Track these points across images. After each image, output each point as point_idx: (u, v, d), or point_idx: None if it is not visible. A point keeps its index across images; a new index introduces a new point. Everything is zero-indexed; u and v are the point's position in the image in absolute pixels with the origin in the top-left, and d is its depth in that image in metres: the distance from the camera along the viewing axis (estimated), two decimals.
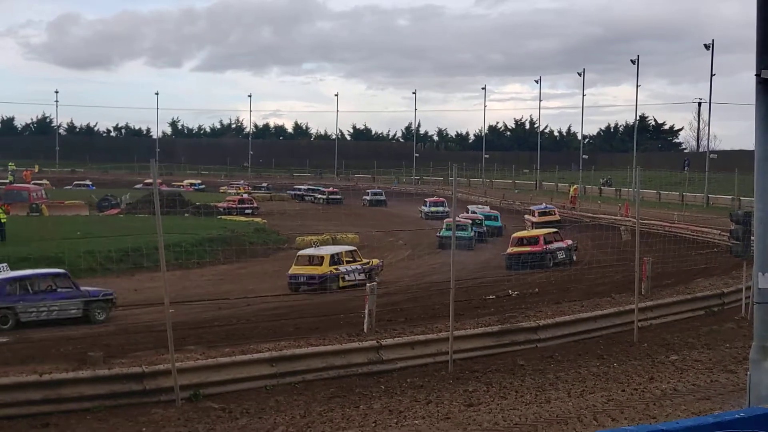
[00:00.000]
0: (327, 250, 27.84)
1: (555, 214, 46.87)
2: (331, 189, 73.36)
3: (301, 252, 28.37)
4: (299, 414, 12.16)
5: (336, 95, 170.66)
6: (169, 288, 13.88)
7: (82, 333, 17.78)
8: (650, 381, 13.86)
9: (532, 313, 18.53)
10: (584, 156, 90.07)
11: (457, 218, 32.22)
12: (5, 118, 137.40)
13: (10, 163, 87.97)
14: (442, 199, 55.13)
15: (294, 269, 26.51)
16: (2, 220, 32.90)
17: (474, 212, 45.71)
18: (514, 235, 34.01)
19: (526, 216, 48.51)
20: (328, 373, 14.32)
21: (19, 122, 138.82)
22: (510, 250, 31.61)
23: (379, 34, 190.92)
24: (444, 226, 36.96)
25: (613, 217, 48.18)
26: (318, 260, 26.62)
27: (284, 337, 16.33)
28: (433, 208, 53.99)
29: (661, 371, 14.60)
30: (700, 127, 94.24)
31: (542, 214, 46.44)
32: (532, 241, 32.15)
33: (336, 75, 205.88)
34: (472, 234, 36.26)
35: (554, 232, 33.63)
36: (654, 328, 18.80)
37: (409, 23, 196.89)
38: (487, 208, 49.60)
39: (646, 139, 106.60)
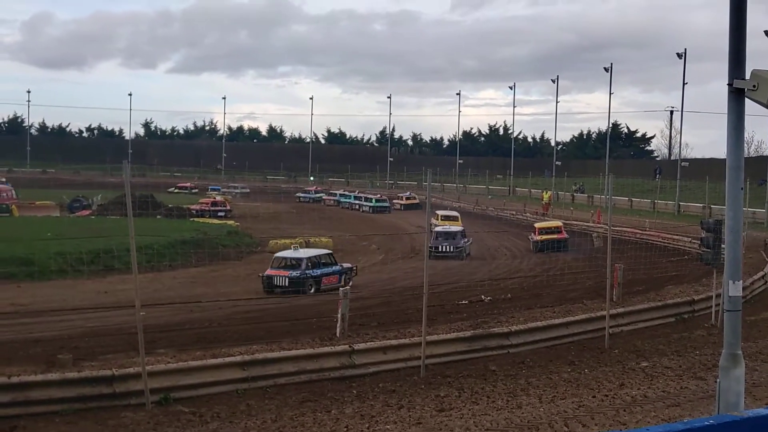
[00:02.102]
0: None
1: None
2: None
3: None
4: (270, 418, 12.10)
5: (311, 99, 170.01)
6: (141, 290, 13.77)
7: (51, 335, 17.57)
8: (621, 387, 13.94)
9: (505, 319, 18.58)
10: (557, 162, 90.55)
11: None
12: None
13: None
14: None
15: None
16: None
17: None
18: None
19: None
20: (300, 378, 14.26)
21: None
22: None
23: (355, 39, 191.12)
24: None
25: (586, 224, 48.50)
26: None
27: (256, 340, 16.24)
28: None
29: (632, 378, 14.69)
30: (672, 135, 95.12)
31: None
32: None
33: (311, 78, 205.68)
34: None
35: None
36: (625, 334, 18.92)
37: (384, 28, 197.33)
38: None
39: (619, 147, 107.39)
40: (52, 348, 15.61)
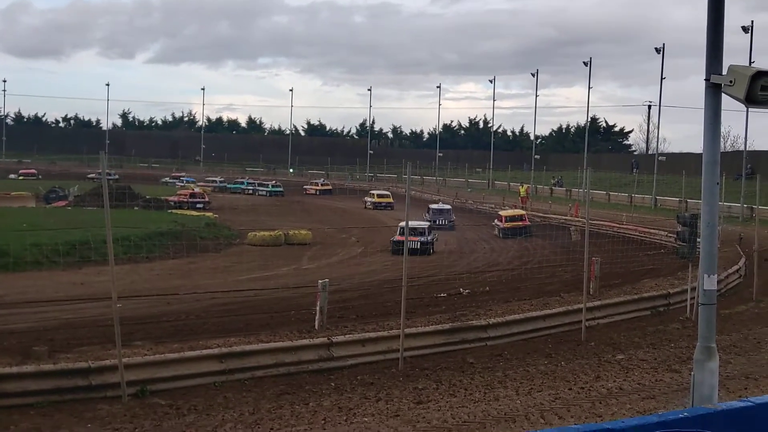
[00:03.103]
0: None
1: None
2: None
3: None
4: (248, 411, 12.09)
5: (291, 90, 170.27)
6: (117, 282, 13.70)
7: (26, 327, 17.44)
8: (596, 380, 14.04)
9: (483, 312, 18.63)
10: (536, 156, 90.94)
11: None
12: None
13: None
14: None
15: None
16: None
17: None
18: None
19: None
20: (278, 370, 14.25)
21: None
22: None
23: (336, 31, 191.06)
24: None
25: (564, 218, 48.68)
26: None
27: (234, 333, 16.20)
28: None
29: (608, 370, 14.81)
30: (650, 129, 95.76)
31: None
32: None
33: (291, 70, 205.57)
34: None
35: None
36: (601, 327, 19.05)
37: (365, 20, 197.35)
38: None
39: (597, 141, 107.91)
40: (27, 340, 15.50)
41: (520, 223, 43.09)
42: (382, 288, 24.16)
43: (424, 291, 23.56)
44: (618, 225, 43.26)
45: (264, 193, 73.10)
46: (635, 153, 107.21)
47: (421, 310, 19.68)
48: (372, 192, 63.41)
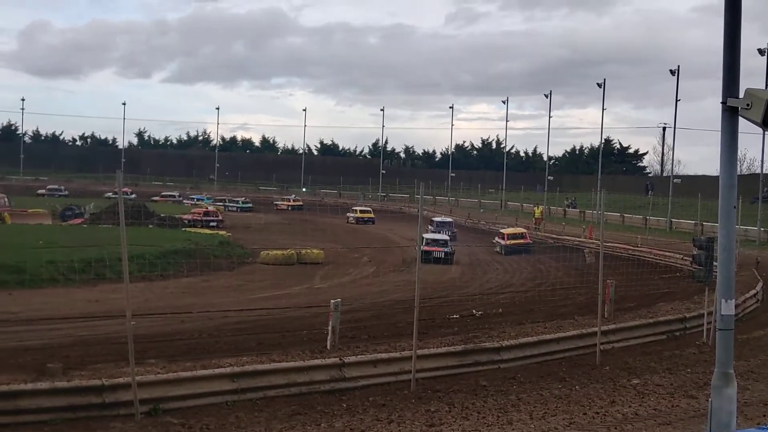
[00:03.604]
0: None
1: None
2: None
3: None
4: (260, 431, 12.05)
5: (304, 110, 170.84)
6: (132, 300, 13.72)
7: (41, 343, 17.48)
8: (612, 404, 13.92)
9: (496, 334, 18.55)
10: (549, 177, 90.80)
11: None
12: None
13: None
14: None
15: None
16: None
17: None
18: None
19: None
20: (290, 390, 14.20)
21: None
22: None
23: (349, 51, 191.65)
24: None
25: (577, 239, 48.56)
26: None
27: (246, 352, 16.18)
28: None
29: (623, 395, 14.68)
30: (665, 151, 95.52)
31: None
32: None
33: (305, 90, 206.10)
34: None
35: None
36: (616, 351, 18.91)
37: (379, 41, 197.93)
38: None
39: (611, 162, 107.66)
40: (42, 357, 15.52)
41: (522, 241, 45.23)
42: (394, 308, 24.11)
43: (437, 312, 23.49)
44: (633, 247, 43.10)
45: (234, 209, 74.84)
46: (650, 175, 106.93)
47: (434, 331, 19.61)
48: (354, 208, 68.10)
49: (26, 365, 14.73)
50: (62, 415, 12.13)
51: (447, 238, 42.56)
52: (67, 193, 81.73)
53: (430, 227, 49.46)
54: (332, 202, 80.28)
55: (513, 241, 44.85)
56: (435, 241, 41.07)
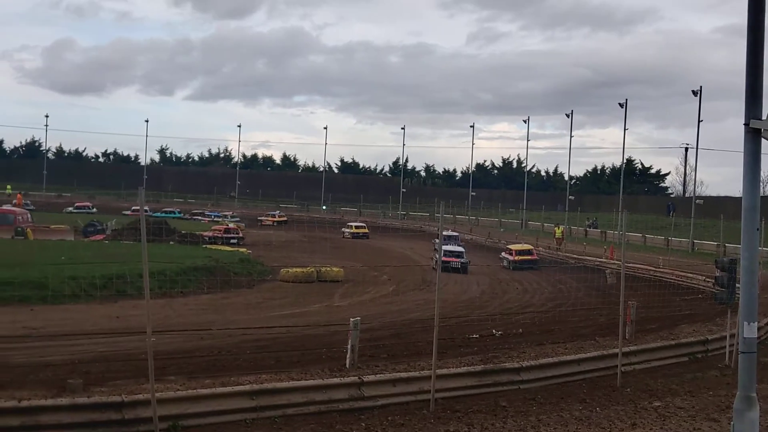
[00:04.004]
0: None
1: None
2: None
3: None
4: None
5: (325, 128, 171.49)
6: (152, 316, 13.76)
7: (62, 359, 17.57)
8: (633, 427, 13.81)
9: (516, 354, 18.46)
10: (570, 197, 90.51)
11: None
12: None
13: (7, 186, 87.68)
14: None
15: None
16: None
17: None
18: None
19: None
20: (309, 409, 14.18)
21: (8, 145, 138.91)
22: None
23: (371, 70, 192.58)
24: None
25: (599, 260, 48.31)
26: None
27: (265, 369, 16.19)
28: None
29: (644, 417, 14.56)
30: (687, 172, 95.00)
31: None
32: None
33: (326, 108, 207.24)
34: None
35: None
36: (637, 373, 18.76)
37: (400, 60, 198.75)
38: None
39: (633, 183, 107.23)
40: (62, 372, 15.60)
41: (529, 257, 47.19)
42: (414, 327, 24.04)
43: (456, 331, 23.40)
44: (654, 268, 42.81)
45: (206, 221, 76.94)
46: (672, 195, 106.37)
47: (453, 350, 19.54)
48: (350, 224, 71.29)
49: (47, 381, 14.83)
50: (82, 431, 12.17)
51: (462, 249, 46.84)
52: (95, 210, 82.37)
53: (436, 241, 49.50)
54: (388, 224, 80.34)
55: (521, 257, 46.87)
56: (452, 252, 44.72)
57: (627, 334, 20.44)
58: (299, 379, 14.92)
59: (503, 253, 49.26)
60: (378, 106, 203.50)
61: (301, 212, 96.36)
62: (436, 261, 38.62)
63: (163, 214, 78.01)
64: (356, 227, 69.19)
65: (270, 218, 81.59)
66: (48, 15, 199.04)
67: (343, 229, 68.37)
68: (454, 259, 43.85)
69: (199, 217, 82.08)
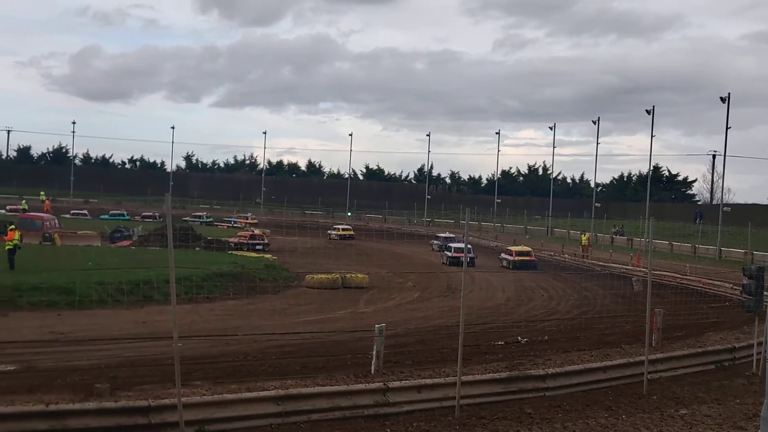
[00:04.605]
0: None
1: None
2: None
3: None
4: None
5: (350, 135, 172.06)
6: (178, 322, 13.85)
7: (89, 364, 17.73)
8: None
9: (541, 361, 18.41)
10: (597, 204, 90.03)
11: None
12: (22, 147, 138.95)
13: (41, 192, 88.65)
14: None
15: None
16: (16, 243, 32.90)
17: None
18: None
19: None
20: (334, 414, 14.21)
21: (36, 151, 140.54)
22: None
23: (397, 77, 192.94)
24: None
25: (625, 267, 48.03)
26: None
27: (291, 375, 16.25)
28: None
29: (670, 425, 14.45)
30: (714, 179, 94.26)
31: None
32: None
33: (352, 115, 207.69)
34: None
35: None
36: (663, 380, 18.63)
37: (426, 67, 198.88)
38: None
39: (660, 190, 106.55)
40: (90, 377, 15.74)
41: (528, 258, 51.22)
42: (439, 334, 24.03)
43: (481, 338, 23.36)
44: (681, 276, 42.51)
45: (199, 224, 77.90)
46: (699, 203, 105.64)
47: (478, 357, 19.51)
48: (336, 226, 74.68)
49: (74, 385, 14.97)
50: None
51: (470, 246, 49.96)
52: (128, 217, 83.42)
53: (435, 242, 62.53)
54: (413, 231, 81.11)
55: (520, 258, 51.10)
56: (461, 249, 50.61)
57: (653, 341, 20.32)
58: (324, 385, 14.97)
59: (503, 254, 53.57)
60: (403, 113, 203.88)
61: (326, 218, 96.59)
62: (447, 258, 51.82)
63: (112, 217, 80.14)
64: (343, 229, 73.28)
65: (242, 220, 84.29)
66: (75, 23, 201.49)
67: (329, 231, 71.57)
68: (462, 254, 47.69)
69: (219, 223, 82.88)
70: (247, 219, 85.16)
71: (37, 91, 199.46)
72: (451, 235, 63.93)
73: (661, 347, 20.79)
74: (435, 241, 62.95)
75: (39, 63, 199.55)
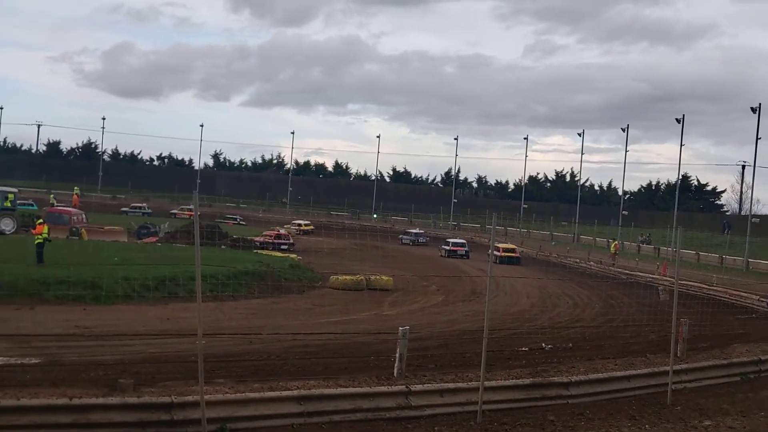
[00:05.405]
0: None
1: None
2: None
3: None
4: None
5: (378, 137, 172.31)
6: (202, 319, 13.90)
7: (113, 359, 17.84)
8: None
9: (565, 368, 18.30)
10: (624, 212, 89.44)
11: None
12: (52, 142, 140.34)
13: (75, 188, 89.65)
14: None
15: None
16: (45, 237, 33.17)
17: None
18: None
19: None
20: (356, 416, 14.19)
21: (65, 146, 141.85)
22: None
23: (426, 80, 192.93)
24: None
25: (651, 276, 47.70)
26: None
27: (313, 375, 16.26)
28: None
29: None
30: (743, 189, 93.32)
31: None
32: None
33: (380, 117, 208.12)
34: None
35: None
36: (688, 391, 18.46)
37: (455, 71, 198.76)
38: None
39: (688, 199, 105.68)
40: (113, 372, 15.83)
41: (512, 254, 57.64)
42: (462, 338, 23.96)
43: (505, 344, 23.24)
44: (707, 286, 42.14)
45: (139, 214, 79.34)
46: (727, 213, 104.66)
47: (501, 362, 19.42)
48: (297, 222, 79.30)
49: (98, 380, 15.06)
50: (131, 430, 12.32)
51: (465, 241, 65.27)
52: (150, 211, 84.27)
53: (404, 236, 73.58)
54: (438, 234, 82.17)
55: (506, 254, 56.91)
56: (457, 244, 63.36)
57: (678, 351, 20.13)
58: (347, 386, 14.96)
59: (491, 251, 58.75)
60: (432, 116, 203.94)
61: (352, 219, 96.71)
62: (445, 251, 61.93)
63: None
64: (304, 224, 77.55)
65: (188, 212, 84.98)
66: (108, 19, 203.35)
67: (288, 225, 75.22)
68: (459, 248, 62.19)
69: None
70: (192, 212, 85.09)
71: (68, 87, 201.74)
72: (421, 231, 77.81)
73: (686, 358, 20.60)
74: (404, 236, 73.75)
75: (71, 59, 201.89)
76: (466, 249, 61.64)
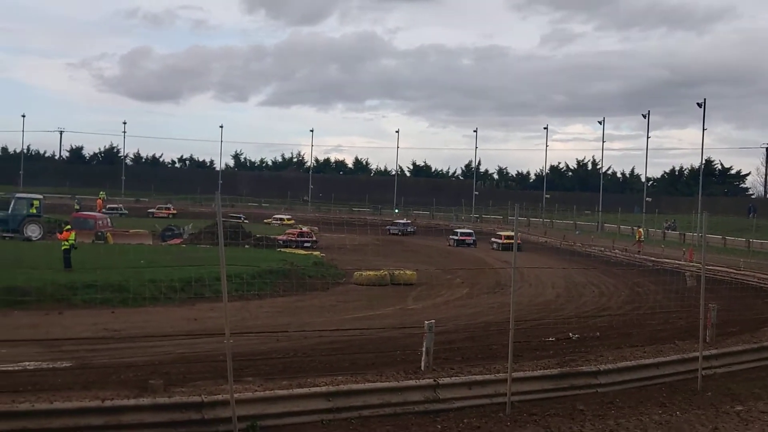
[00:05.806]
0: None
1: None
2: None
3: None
4: None
5: (397, 132, 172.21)
6: (229, 318, 13.97)
7: (143, 360, 17.97)
8: (714, 431, 13.51)
9: (593, 357, 18.22)
10: (648, 199, 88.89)
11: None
12: (74, 148, 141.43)
13: (101, 192, 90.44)
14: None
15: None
16: (72, 243, 33.42)
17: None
18: None
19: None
20: (385, 410, 14.20)
21: (88, 151, 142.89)
22: None
23: (443, 73, 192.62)
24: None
25: (677, 262, 47.41)
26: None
27: (341, 371, 16.29)
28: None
29: (726, 422, 14.23)
30: None
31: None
32: None
33: (399, 112, 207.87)
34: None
35: None
36: (718, 377, 18.32)
37: (473, 63, 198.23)
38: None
39: (712, 184, 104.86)
40: (143, 373, 15.95)
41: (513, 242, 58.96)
42: (489, 330, 23.92)
43: (532, 334, 23.18)
44: (735, 271, 41.82)
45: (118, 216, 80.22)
46: (753, 196, 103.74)
47: (528, 353, 19.38)
48: (279, 216, 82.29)
49: (129, 381, 15.18)
50: (163, 430, 12.40)
51: (472, 231, 69.55)
52: (175, 211, 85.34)
53: (392, 228, 77.61)
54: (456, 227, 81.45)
55: (508, 241, 59.01)
56: (465, 233, 67.20)
57: (707, 337, 20.00)
58: (375, 381, 14.97)
59: (493, 239, 63.91)
60: (450, 109, 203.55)
61: (374, 216, 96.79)
62: (453, 241, 65.43)
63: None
64: (287, 219, 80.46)
65: (165, 211, 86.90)
66: (125, 24, 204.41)
67: (270, 220, 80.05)
68: (467, 237, 66.26)
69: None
70: (170, 210, 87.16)
71: (88, 93, 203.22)
72: (409, 221, 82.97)
73: (716, 343, 20.45)
74: (391, 227, 77.94)
75: (90, 64, 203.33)
76: (473, 238, 66.00)
